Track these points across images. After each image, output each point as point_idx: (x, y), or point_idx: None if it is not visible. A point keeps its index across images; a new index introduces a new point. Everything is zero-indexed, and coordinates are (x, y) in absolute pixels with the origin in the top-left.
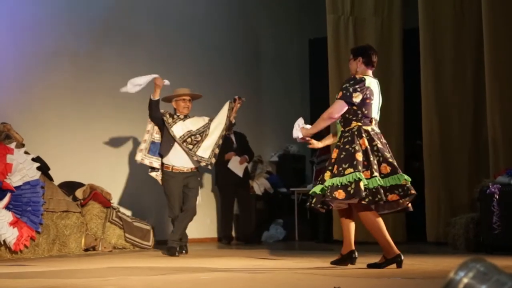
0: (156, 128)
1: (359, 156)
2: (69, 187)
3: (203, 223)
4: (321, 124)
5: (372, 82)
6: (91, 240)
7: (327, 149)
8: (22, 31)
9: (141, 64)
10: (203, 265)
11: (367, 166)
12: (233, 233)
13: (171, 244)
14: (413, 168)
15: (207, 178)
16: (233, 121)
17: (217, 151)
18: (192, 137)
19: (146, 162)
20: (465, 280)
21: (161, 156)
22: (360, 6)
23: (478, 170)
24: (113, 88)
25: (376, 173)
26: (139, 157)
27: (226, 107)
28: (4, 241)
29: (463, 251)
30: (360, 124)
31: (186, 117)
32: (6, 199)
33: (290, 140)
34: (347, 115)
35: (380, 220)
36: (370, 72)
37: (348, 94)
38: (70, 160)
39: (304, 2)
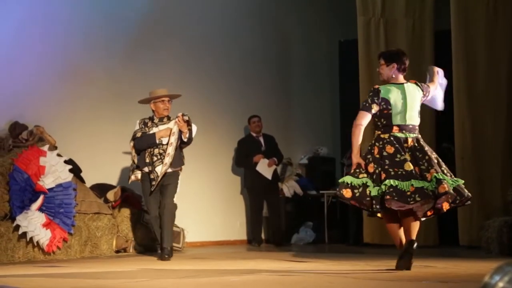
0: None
1: (371, 168)
2: (101, 189)
3: (233, 225)
4: (353, 137)
5: (391, 91)
6: (122, 242)
7: None
8: (56, 41)
9: (171, 69)
10: (233, 268)
11: (372, 175)
12: (263, 236)
13: (165, 245)
14: None
15: (236, 181)
16: (185, 138)
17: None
18: (160, 147)
19: (133, 178)
20: (501, 284)
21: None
22: (391, 7)
23: (511, 173)
24: (144, 93)
25: (374, 183)
26: (131, 179)
27: (175, 128)
28: (37, 242)
29: (496, 255)
30: (379, 132)
31: (161, 120)
32: (39, 201)
33: (320, 142)
34: (373, 126)
35: (395, 226)
36: (401, 77)
37: (367, 105)
38: (101, 163)
39: (334, 4)
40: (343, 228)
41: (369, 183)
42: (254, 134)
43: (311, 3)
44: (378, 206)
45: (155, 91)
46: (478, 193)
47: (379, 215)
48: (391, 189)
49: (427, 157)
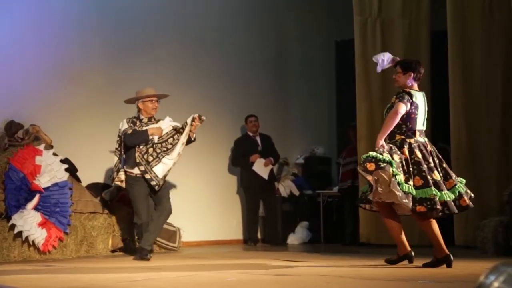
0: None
1: (397, 157)
2: (97, 189)
3: (229, 224)
4: (389, 121)
5: (418, 97)
6: (118, 241)
7: (353, 151)
8: (51, 40)
9: (168, 69)
10: (229, 267)
11: (405, 172)
12: (259, 235)
13: (145, 246)
14: None
15: (233, 180)
16: (193, 137)
17: (167, 173)
18: (154, 146)
19: (117, 180)
20: (496, 284)
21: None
22: (387, 7)
23: (507, 173)
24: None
25: (410, 182)
26: (115, 180)
27: (187, 129)
28: (33, 241)
29: (492, 255)
30: (403, 137)
31: (150, 120)
32: (35, 200)
33: (316, 142)
34: (393, 129)
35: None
36: (416, 85)
37: (405, 100)
38: (97, 162)
39: (331, 4)
40: (339, 228)
41: (393, 163)
42: (250, 134)
43: (307, 3)
44: (400, 194)
45: (143, 91)
46: (473, 193)
47: (371, 207)
48: (436, 201)
49: (444, 165)
